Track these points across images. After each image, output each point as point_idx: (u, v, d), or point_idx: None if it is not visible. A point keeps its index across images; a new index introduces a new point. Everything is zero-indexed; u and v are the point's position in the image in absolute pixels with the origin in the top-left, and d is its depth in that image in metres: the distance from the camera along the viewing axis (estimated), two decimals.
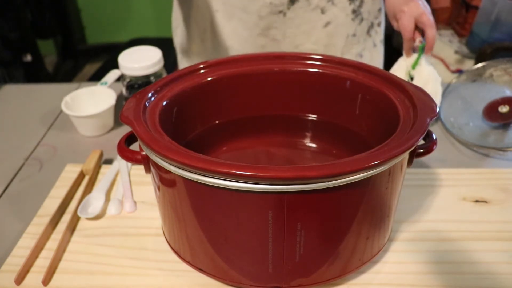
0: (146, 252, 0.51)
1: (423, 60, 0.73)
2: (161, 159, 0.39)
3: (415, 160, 0.45)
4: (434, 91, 0.73)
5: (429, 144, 0.46)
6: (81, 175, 0.63)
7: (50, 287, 0.47)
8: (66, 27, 2.30)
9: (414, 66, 0.73)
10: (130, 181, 0.61)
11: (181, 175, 0.38)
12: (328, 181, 0.36)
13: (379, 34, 0.89)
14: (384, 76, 0.51)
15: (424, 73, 0.72)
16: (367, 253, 0.46)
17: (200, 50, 0.88)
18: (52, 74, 2.18)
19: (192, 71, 0.53)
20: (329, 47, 0.84)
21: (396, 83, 0.49)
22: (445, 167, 0.63)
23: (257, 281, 0.44)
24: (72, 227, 0.54)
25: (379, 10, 0.85)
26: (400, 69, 0.75)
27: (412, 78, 0.74)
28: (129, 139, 0.47)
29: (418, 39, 0.72)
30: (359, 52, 0.86)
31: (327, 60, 0.55)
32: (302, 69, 0.55)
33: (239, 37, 0.81)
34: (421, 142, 0.42)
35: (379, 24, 0.87)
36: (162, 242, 0.50)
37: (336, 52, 0.84)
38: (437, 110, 0.44)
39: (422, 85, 0.71)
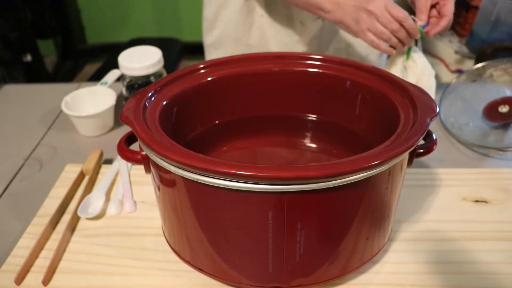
0: (146, 252, 0.51)
1: (418, 51, 0.71)
2: (161, 159, 0.39)
3: (415, 160, 0.45)
4: (429, 86, 0.71)
5: (429, 144, 0.46)
6: (81, 175, 0.63)
7: (50, 287, 0.47)
8: (66, 27, 2.30)
9: (408, 54, 0.71)
10: (130, 181, 0.61)
11: (181, 175, 0.38)
12: (328, 181, 0.36)
13: None
14: (384, 76, 0.51)
15: (419, 66, 0.70)
16: (367, 253, 0.46)
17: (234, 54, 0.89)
18: (52, 74, 2.18)
19: (192, 71, 0.53)
20: (351, 47, 0.86)
21: (396, 83, 0.49)
22: (445, 167, 0.63)
23: (257, 281, 0.44)
24: (72, 227, 0.54)
25: None
26: (396, 59, 0.73)
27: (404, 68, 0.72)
28: (129, 139, 0.47)
29: (419, 22, 0.68)
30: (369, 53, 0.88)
31: (327, 60, 0.55)
32: (302, 69, 0.55)
33: (279, 42, 0.84)
34: (421, 142, 0.42)
35: None
36: (162, 242, 0.50)
37: (356, 54, 0.87)
38: (437, 110, 0.44)
39: (417, 78, 0.70)
